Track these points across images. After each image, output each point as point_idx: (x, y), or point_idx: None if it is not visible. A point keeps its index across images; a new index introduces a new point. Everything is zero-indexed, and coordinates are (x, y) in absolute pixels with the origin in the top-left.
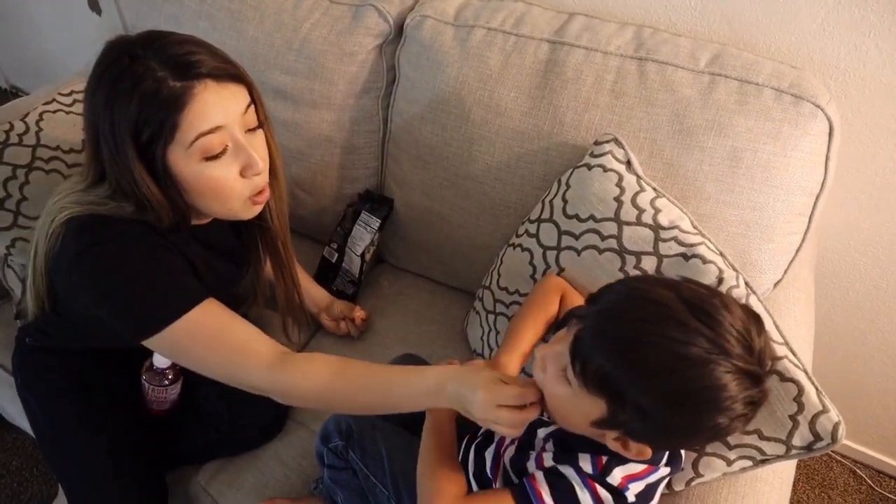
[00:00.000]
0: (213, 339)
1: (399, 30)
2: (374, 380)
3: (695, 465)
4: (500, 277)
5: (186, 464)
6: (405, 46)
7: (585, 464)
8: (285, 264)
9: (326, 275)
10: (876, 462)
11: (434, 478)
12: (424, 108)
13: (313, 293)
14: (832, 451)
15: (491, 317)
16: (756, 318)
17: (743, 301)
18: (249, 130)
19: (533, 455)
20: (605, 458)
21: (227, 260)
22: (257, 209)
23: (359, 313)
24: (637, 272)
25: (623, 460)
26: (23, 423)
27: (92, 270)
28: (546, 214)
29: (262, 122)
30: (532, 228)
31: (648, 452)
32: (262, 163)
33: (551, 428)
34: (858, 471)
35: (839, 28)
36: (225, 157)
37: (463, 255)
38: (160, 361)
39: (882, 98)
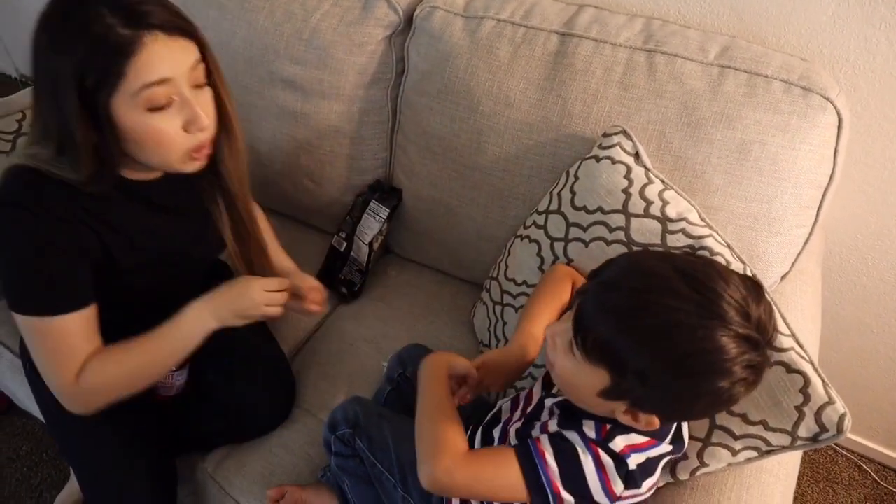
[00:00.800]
0: (43, 345)
1: (409, 21)
2: (153, 344)
3: (700, 455)
4: (508, 268)
5: (195, 450)
6: (414, 37)
7: (589, 429)
8: (246, 226)
9: (334, 263)
10: (881, 456)
11: (435, 432)
12: (433, 99)
13: (280, 261)
14: (837, 445)
15: (498, 308)
16: (755, 287)
17: None
18: (197, 87)
19: (538, 425)
20: (608, 426)
21: (181, 219)
22: (197, 165)
23: (315, 306)
24: None
25: (626, 429)
26: (32, 407)
27: None
28: (554, 206)
29: (215, 82)
30: (540, 220)
31: (657, 422)
32: (207, 119)
33: (559, 398)
34: (863, 465)
35: (849, 21)
36: (170, 109)
37: (471, 245)
38: None
39: (892, 91)
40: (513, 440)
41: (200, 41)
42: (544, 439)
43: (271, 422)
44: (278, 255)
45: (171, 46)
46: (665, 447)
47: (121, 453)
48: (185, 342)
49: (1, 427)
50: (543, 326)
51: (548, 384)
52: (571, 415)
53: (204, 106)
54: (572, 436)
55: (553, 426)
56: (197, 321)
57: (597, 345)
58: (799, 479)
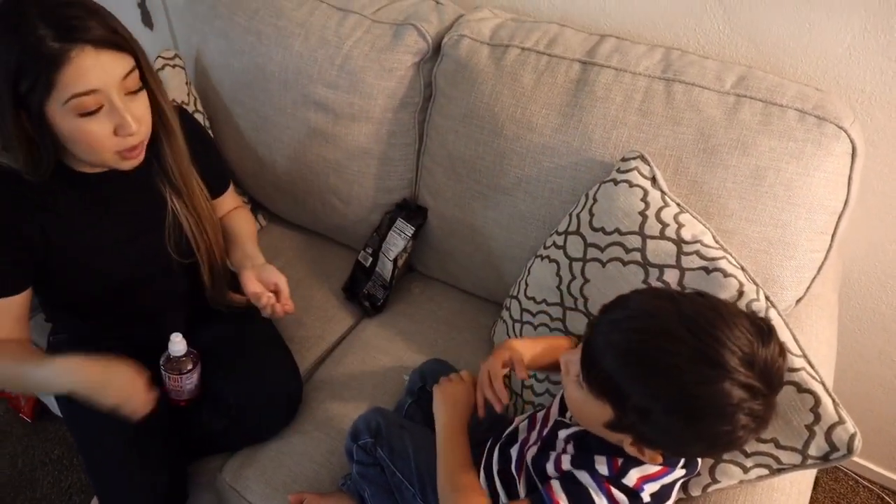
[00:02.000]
0: None
1: (437, 48)
2: (22, 371)
3: (711, 471)
4: (528, 287)
5: (207, 453)
6: (442, 64)
7: (601, 466)
8: (193, 217)
9: (360, 278)
10: None
11: (458, 491)
12: (459, 122)
13: (251, 252)
14: (859, 476)
15: (518, 325)
16: (762, 332)
17: (762, 314)
18: (130, 93)
19: (553, 456)
20: (620, 460)
21: (128, 209)
22: (131, 163)
23: (285, 300)
24: (660, 284)
25: (640, 462)
26: None
27: None
28: (573, 227)
29: (151, 86)
30: (559, 240)
31: (660, 458)
32: (136, 124)
33: (573, 429)
34: (886, 497)
35: (865, 52)
36: (100, 114)
37: (492, 265)
38: (175, 350)
39: None
40: (530, 468)
41: (134, 52)
42: (556, 486)
43: (276, 420)
44: (247, 245)
45: (100, 59)
46: (678, 472)
47: (135, 457)
48: (44, 387)
49: (35, 432)
50: (541, 348)
51: (564, 405)
52: (585, 449)
53: (135, 111)
54: (584, 477)
55: (566, 463)
56: (59, 377)
57: (600, 379)
58: None
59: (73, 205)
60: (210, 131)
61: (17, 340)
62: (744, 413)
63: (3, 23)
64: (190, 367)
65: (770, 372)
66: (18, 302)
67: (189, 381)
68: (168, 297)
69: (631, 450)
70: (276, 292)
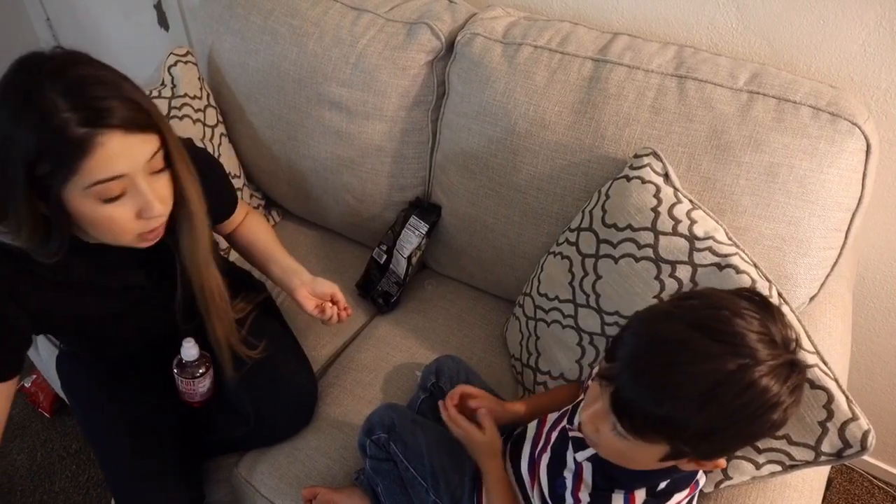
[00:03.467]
0: None
1: (450, 47)
2: None
3: (724, 468)
4: (541, 284)
5: (225, 453)
6: (455, 62)
7: None
8: (205, 301)
9: (374, 275)
10: None
11: None
12: (472, 120)
13: (291, 266)
14: (874, 478)
15: (531, 322)
16: (767, 309)
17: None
18: (154, 172)
19: (570, 482)
20: (638, 500)
21: (141, 277)
22: (148, 244)
23: (345, 305)
24: (672, 280)
25: (660, 500)
26: None
27: None
28: (586, 223)
29: (175, 164)
30: (572, 237)
31: (723, 463)
32: (160, 205)
33: (591, 451)
34: None
35: (880, 49)
36: (123, 198)
37: (505, 262)
38: (187, 356)
39: None
40: (543, 478)
41: (160, 130)
42: None
43: (292, 426)
44: (288, 262)
45: (129, 143)
46: (701, 481)
47: (152, 463)
48: None
49: (53, 426)
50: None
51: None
52: (606, 477)
53: (159, 191)
54: None
55: (584, 498)
56: None
57: (648, 423)
58: None
59: (82, 275)
60: (224, 128)
61: None
62: (787, 394)
63: (23, 101)
64: (202, 370)
65: (786, 337)
66: (3, 391)
67: (202, 385)
68: (179, 334)
69: (688, 466)
70: (334, 301)
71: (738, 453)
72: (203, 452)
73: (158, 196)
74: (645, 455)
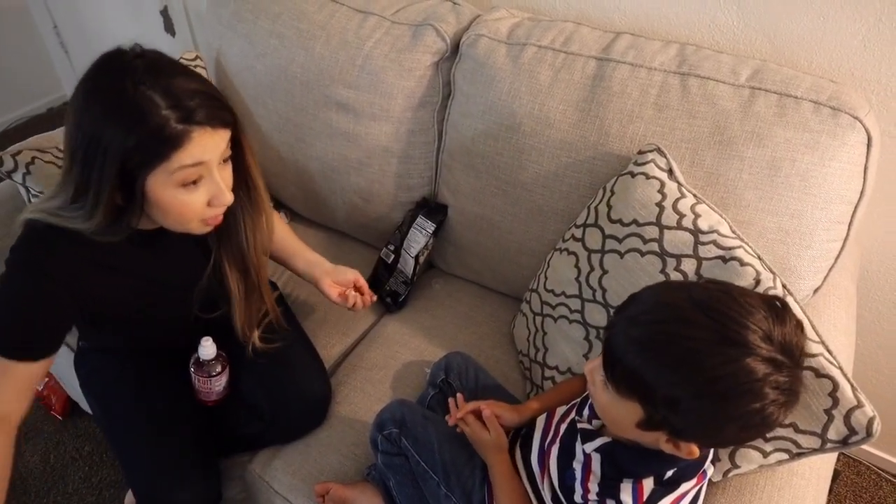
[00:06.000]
0: None
1: (455, 48)
2: None
3: (731, 456)
4: (548, 280)
5: (240, 451)
6: (461, 63)
7: (626, 496)
8: (254, 286)
9: (382, 274)
10: None
11: None
12: (477, 120)
13: (313, 258)
14: (881, 470)
15: (538, 319)
16: (777, 308)
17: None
18: (224, 161)
19: (579, 472)
20: (646, 489)
21: (180, 264)
22: (208, 229)
23: (367, 291)
24: (678, 274)
25: (668, 488)
26: None
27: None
28: (591, 219)
29: (245, 154)
30: (578, 233)
31: (696, 451)
32: (230, 195)
33: (598, 442)
34: None
35: (881, 44)
36: (198, 185)
37: (511, 260)
38: (205, 354)
39: None
40: (553, 470)
41: (236, 126)
42: None
43: (307, 423)
44: (308, 255)
45: (214, 138)
46: (709, 471)
47: (165, 457)
48: None
49: (65, 428)
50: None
51: (581, 404)
52: (613, 466)
53: (226, 179)
54: None
55: (594, 488)
56: None
57: (625, 376)
58: (840, 503)
59: (129, 260)
60: None
61: (6, 417)
62: (771, 387)
63: (121, 98)
64: (219, 369)
65: (790, 345)
66: (32, 371)
67: (218, 384)
68: (201, 328)
69: (667, 447)
70: (357, 288)
71: None
72: (218, 451)
73: (226, 184)
74: (624, 414)
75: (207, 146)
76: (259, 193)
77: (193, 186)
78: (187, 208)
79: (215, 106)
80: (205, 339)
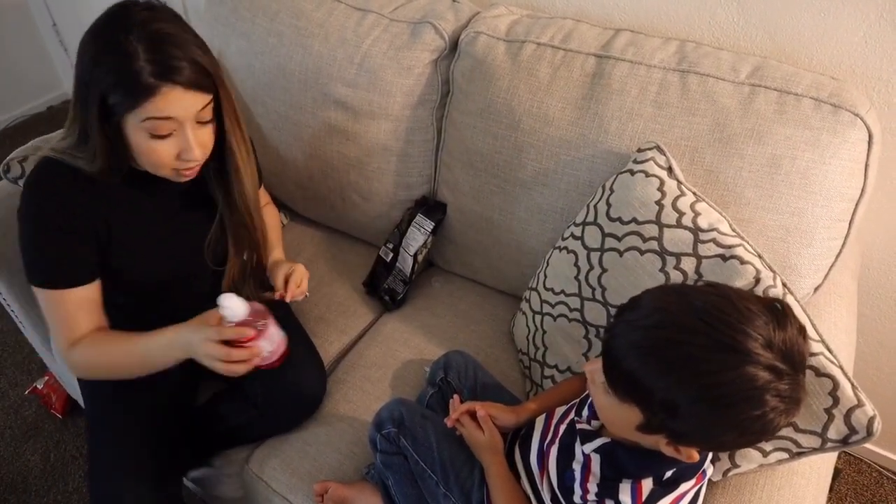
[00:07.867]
0: (50, 313)
1: (454, 45)
2: (131, 348)
3: (731, 456)
4: (547, 279)
5: (235, 444)
6: (459, 61)
7: (625, 496)
8: (246, 243)
9: (380, 272)
10: None
11: None
12: (476, 118)
13: (280, 258)
14: (883, 469)
15: (538, 317)
16: (776, 314)
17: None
18: (201, 123)
19: (578, 473)
20: (645, 489)
21: (182, 211)
22: (184, 180)
23: (291, 288)
24: (677, 272)
25: (668, 488)
26: None
27: (21, 207)
28: (590, 218)
29: (225, 119)
30: (577, 231)
31: (696, 455)
32: (199, 151)
33: (598, 442)
34: None
35: (882, 41)
36: (169, 138)
37: (510, 258)
38: (232, 315)
39: None
40: (552, 471)
41: (217, 90)
42: None
43: (301, 411)
44: (275, 249)
45: (185, 97)
46: (709, 471)
47: (122, 444)
48: (155, 360)
49: (65, 427)
50: (539, 404)
51: (580, 404)
52: (613, 467)
53: (201, 137)
54: None
55: (593, 489)
56: (168, 347)
57: (623, 380)
58: (841, 501)
59: (135, 202)
60: None
61: (98, 329)
62: (771, 395)
63: (109, 44)
64: (263, 321)
65: (791, 352)
66: (95, 289)
67: (267, 343)
68: (203, 300)
69: (667, 450)
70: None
71: None
72: (210, 446)
73: (200, 142)
74: (623, 417)
75: (177, 104)
76: (236, 159)
77: (164, 139)
78: (156, 155)
79: (194, 70)
80: (222, 297)
